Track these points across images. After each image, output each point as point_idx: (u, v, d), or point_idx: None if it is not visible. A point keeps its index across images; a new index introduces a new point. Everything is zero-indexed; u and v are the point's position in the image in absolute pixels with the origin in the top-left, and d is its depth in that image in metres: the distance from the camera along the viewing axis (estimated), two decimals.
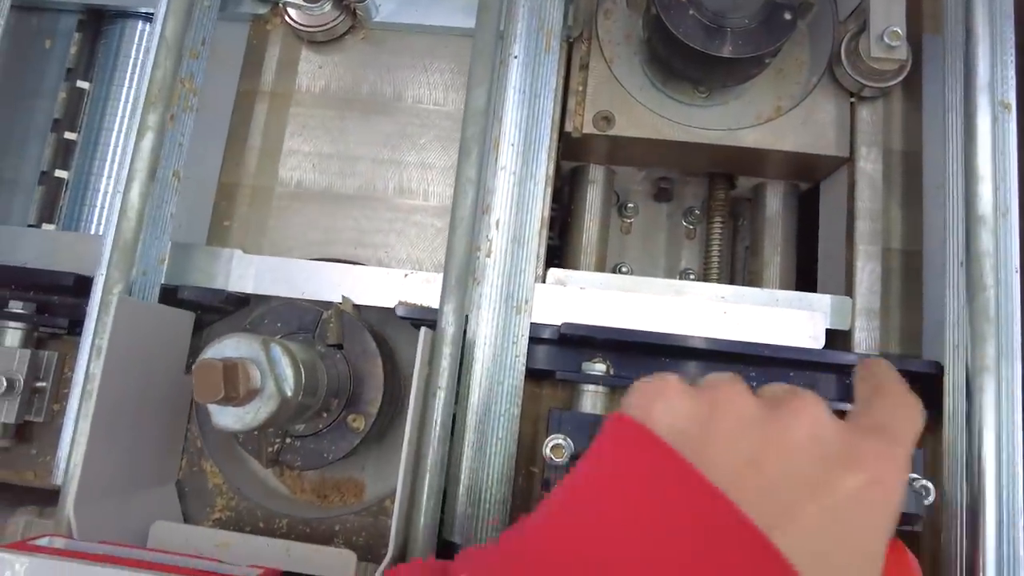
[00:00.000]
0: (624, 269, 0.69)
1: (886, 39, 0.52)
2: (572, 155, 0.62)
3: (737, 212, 0.70)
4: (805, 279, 0.62)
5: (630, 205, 0.70)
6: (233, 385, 0.37)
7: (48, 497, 0.52)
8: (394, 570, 0.28)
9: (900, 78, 0.54)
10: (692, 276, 0.69)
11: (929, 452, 0.49)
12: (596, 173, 0.63)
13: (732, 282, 0.68)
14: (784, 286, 0.60)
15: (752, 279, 0.63)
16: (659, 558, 0.22)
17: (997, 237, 0.44)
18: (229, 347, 0.39)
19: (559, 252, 0.67)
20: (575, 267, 0.62)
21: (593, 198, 0.63)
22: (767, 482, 0.23)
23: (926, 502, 0.45)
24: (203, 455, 0.53)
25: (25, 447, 0.55)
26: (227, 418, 0.39)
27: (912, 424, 0.28)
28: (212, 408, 0.39)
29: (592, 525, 0.23)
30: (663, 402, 0.26)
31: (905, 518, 0.35)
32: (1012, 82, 0.48)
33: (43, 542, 0.38)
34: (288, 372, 0.40)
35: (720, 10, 0.50)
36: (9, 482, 0.54)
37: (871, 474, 0.24)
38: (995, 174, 0.45)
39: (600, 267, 0.63)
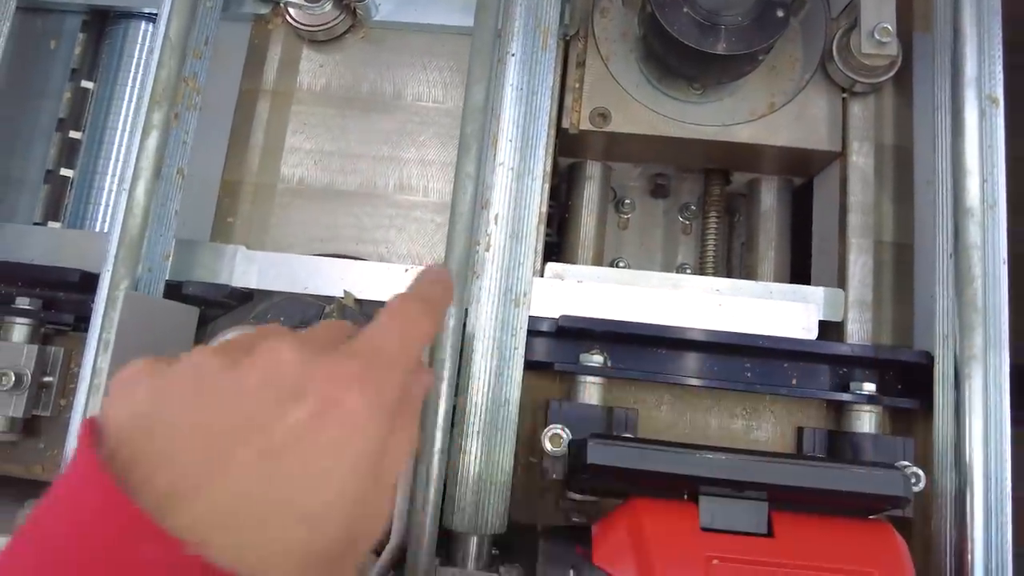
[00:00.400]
0: (621, 264, 0.70)
1: (877, 35, 0.53)
2: (569, 151, 0.63)
3: (733, 207, 0.70)
4: (800, 272, 0.62)
5: (627, 201, 0.71)
6: None
7: None
8: None
9: (891, 74, 0.55)
10: (688, 271, 0.70)
11: (920, 440, 0.50)
12: (593, 169, 0.64)
13: (728, 276, 0.69)
14: (779, 279, 0.61)
15: (747, 273, 0.64)
16: (49, 550, 0.20)
17: (984, 229, 0.45)
18: None
19: (557, 248, 0.68)
20: (573, 262, 0.63)
21: (590, 194, 0.64)
22: (195, 452, 0.21)
23: (916, 488, 0.46)
24: None
25: (33, 441, 0.55)
26: None
27: (401, 333, 0.25)
28: None
29: (28, 538, 0.21)
30: (122, 390, 0.23)
31: (892, 501, 0.36)
32: (1000, 77, 0.49)
33: None
34: None
35: (714, 8, 0.51)
36: (17, 476, 0.55)
37: (318, 399, 0.21)
38: (982, 168, 0.46)
39: (597, 262, 0.64)
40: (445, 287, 0.29)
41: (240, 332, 0.41)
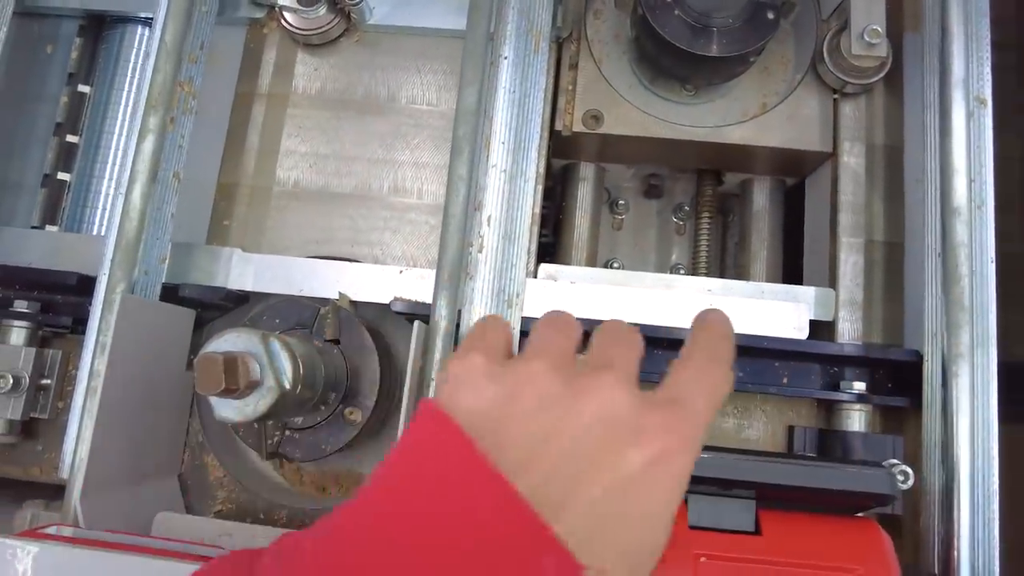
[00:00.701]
0: (616, 265, 0.71)
1: (866, 37, 0.53)
2: (563, 153, 0.63)
3: (727, 208, 0.71)
4: (793, 272, 0.63)
5: (621, 202, 0.71)
6: (233, 378, 0.38)
7: (53, 492, 0.54)
8: (203, 569, 0.27)
9: (881, 75, 0.55)
10: (682, 271, 0.70)
11: (910, 438, 0.51)
12: (587, 171, 0.65)
13: (722, 276, 0.69)
14: (771, 279, 0.62)
15: (740, 273, 0.64)
16: (439, 543, 0.22)
17: (972, 229, 0.46)
18: (229, 341, 0.41)
19: (552, 249, 0.69)
20: (567, 263, 0.63)
21: (584, 195, 0.64)
22: (552, 465, 0.23)
23: (905, 487, 0.47)
24: (205, 449, 0.54)
25: (31, 443, 0.56)
26: (228, 410, 0.40)
27: (709, 392, 0.27)
28: (213, 400, 0.40)
29: (388, 517, 0.23)
30: (468, 384, 0.25)
31: (878, 498, 0.36)
32: (988, 78, 0.49)
33: (51, 531, 0.40)
34: (286, 365, 0.42)
35: (705, 10, 0.52)
36: (15, 478, 0.56)
37: (655, 449, 0.24)
38: (970, 168, 0.46)
39: (591, 263, 0.65)
40: (732, 343, 0.29)
41: (236, 335, 0.41)
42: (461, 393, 0.25)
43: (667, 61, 0.55)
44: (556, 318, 0.29)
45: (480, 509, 0.22)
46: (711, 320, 0.30)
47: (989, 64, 0.49)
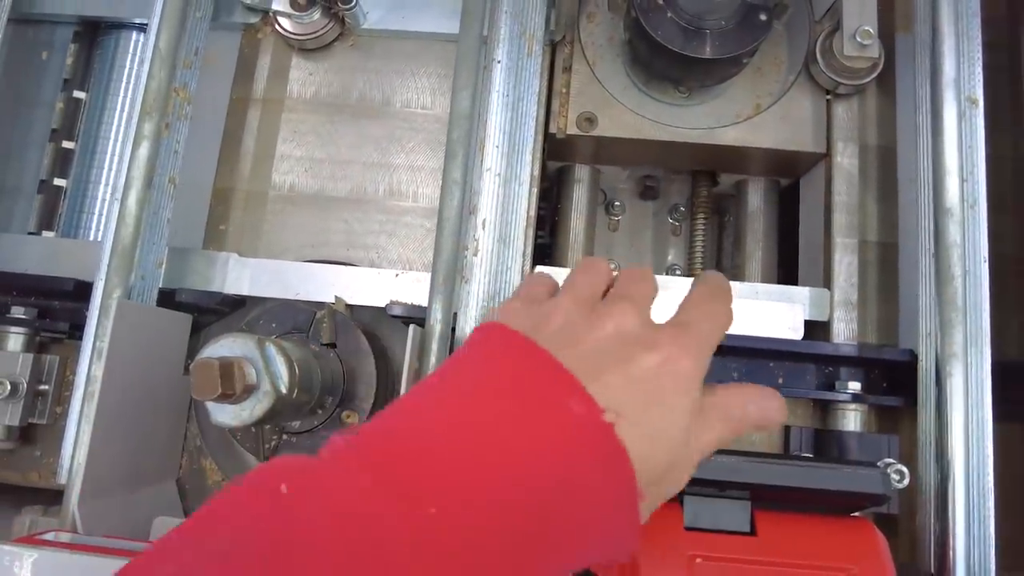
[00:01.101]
0: (612, 265, 0.71)
1: (858, 38, 0.53)
2: (558, 155, 0.63)
3: (723, 208, 0.71)
4: (788, 273, 0.63)
5: (617, 203, 0.72)
6: (230, 382, 0.38)
7: (52, 498, 0.54)
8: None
9: (873, 76, 0.56)
10: (678, 272, 0.70)
11: (906, 437, 0.51)
12: (582, 173, 0.65)
13: None
14: (766, 280, 0.62)
15: (736, 273, 0.65)
16: (486, 388, 0.28)
17: (964, 228, 0.46)
18: (225, 346, 0.41)
19: (549, 251, 0.69)
20: (563, 264, 0.64)
21: (579, 197, 0.65)
22: (580, 354, 0.28)
23: (900, 486, 0.47)
24: (203, 453, 0.55)
25: (29, 449, 0.56)
26: (225, 415, 0.41)
27: (711, 318, 0.32)
28: (210, 405, 0.40)
29: (448, 374, 0.29)
30: (507, 316, 0.31)
31: (872, 498, 0.36)
32: (979, 78, 0.49)
33: (49, 536, 0.40)
34: (282, 370, 0.42)
35: (697, 12, 0.52)
36: (14, 483, 0.56)
37: (664, 353, 0.29)
38: (962, 168, 0.46)
39: None
40: (730, 296, 0.34)
41: (232, 340, 0.41)
42: (503, 319, 0.31)
43: (660, 63, 0.55)
44: (589, 263, 0.34)
45: (515, 363, 0.28)
46: (709, 275, 0.35)
47: (980, 64, 0.49)
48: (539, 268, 0.55)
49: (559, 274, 0.54)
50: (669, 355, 0.29)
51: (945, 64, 0.47)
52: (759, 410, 0.31)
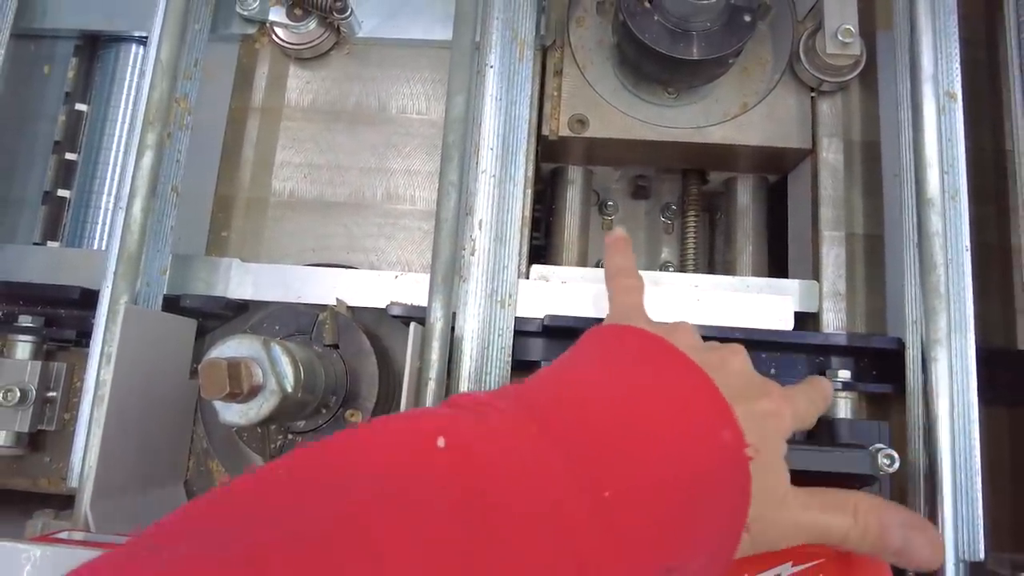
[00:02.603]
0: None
1: (840, 36, 0.55)
2: (550, 157, 0.65)
3: (714, 206, 0.73)
4: (779, 266, 0.65)
5: (610, 203, 0.73)
6: (237, 382, 0.40)
7: (62, 503, 0.55)
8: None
9: (856, 73, 0.57)
10: (671, 268, 0.72)
11: (896, 423, 0.52)
12: (574, 173, 0.66)
13: (711, 272, 0.71)
14: (757, 274, 0.63)
15: (727, 268, 0.66)
16: (647, 408, 0.30)
17: (946, 219, 0.47)
18: (232, 347, 0.42)
19: (545, 250, 0.70)
20: (558, 263, 0.65)
21: (572, 197, 0.66)
22: (723, 380, 0.31)
23: (891, 470, 0.48)
24: (209, 455, 0.56)
25: (38, 455, 0.57)
26: (232, 414, 0.42)
27: (810, 400, 0.37)
28: (218, 405, 0.41)
29: (613, 363, 0.32)
30: (681, 335, 0.35)
31: (860, 479, 0.38)
32: (957, 73, 0.51)
33: (62, 535, 0.41)
34: (288, 370, 0.43)
35: (683, 15, 0.53)
36: (24, 489, 0.57)
37: (775, 404, 0.33)
38: (942, 160, 0.48)
39: (582, 263, 0.66)
40: (827, 405, 0.40)
41: (238, 341, 0.42)
42: (672, 337, 0.34)
43: (648, 65, 0.56)
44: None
45: (679, 378, 0.31)
46: (816, 382, 0.40)
47: (958, 59, 0.51)
48: (535, 267, 0.56)
49: (555, 273, 0.56)
50: (779, 406, 0.33)
51: (923, 60, 0.48)
52: (901, 536, 0.33)
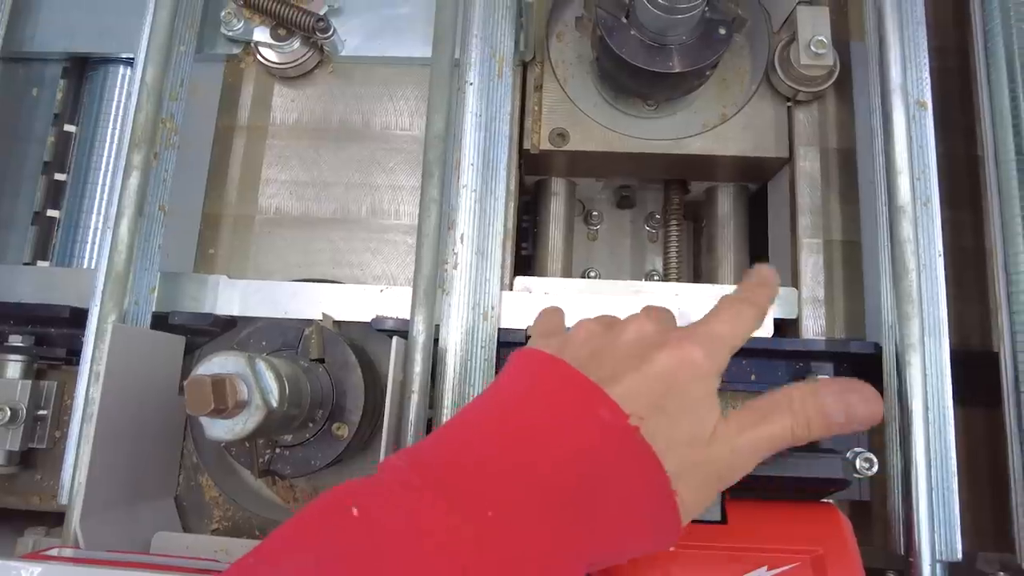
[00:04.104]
0: (593, 274, 0.73)
1: (813, 48, 0.56)
2: (533, 170, 0.66)
3: (699, 214, 0.74)
4: None
5: (595, 213, 0.74)
6: (222, 398, 0.40)
7: (53, 520, 0.56)
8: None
9: (830, 83, 0.58)
10: (657, 277, 0.73)
11: (876, 427, 0.53)
12: (558, 186, 0.67)
13: (696, 280, 0.72)
14: (739, 281, 0.64)
15: (710, 277, 0.67)
16: (525, 407, 0.32)
17: (918, 225, 0.48)
18: (217, 364, 0.43)
19: (531, 261, 0.71)
20: (543, 274, 0.66)
21: (556, 209, 0.67)
22: (602, 363, 0.32)
23: (870, 473, 0.49)
24: (199, 470, 0.56)
25: (29, 473, 0.58)
26: (219, 429, 0.42)
27: (730, 321, 0.35)
28: (204, 420, 0.42)
29: (492, 394, 0.34)
30: (539, 340, 0.37)
31: (834, 483, 0.38)
32: (927, 82, 0.52)
33: (52, 552, 0.41)
34: (272, 385, 0.43)
35: (660, 29, 0.54)
36: (15, 508, 0.57)
37: (676, 348, 0.32)
38: (912, 167, 0.49)
39: (567, 273, 0.67)
40: (769, 290, 0.38)
41: (223, 357, 0.43)
42: (534, 343, 0.36)
43: (627, 79, 0.57)
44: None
45: (548, 380, 0.32)
46: (754, 272, 0.39)
47: (928, 69, 0.52)
48: (519, 279, 0.57)
49: (538, 284, 0.57)
50: (680, 350, 0.32)
51: (892, 71, 0.49)
52: (839, 405, 0.33)
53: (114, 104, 0.65)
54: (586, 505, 0.29)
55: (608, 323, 0.36)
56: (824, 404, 0.33)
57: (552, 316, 0.44)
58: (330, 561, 0.27)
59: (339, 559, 0.27)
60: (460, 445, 0.31)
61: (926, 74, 0.52)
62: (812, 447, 0.52)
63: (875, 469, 0.49)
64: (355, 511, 0.28)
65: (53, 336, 0.56)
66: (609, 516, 0.29)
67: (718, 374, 0.33)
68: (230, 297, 0.56)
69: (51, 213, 0.64)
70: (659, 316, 0.36)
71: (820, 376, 0.54)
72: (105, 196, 0.62)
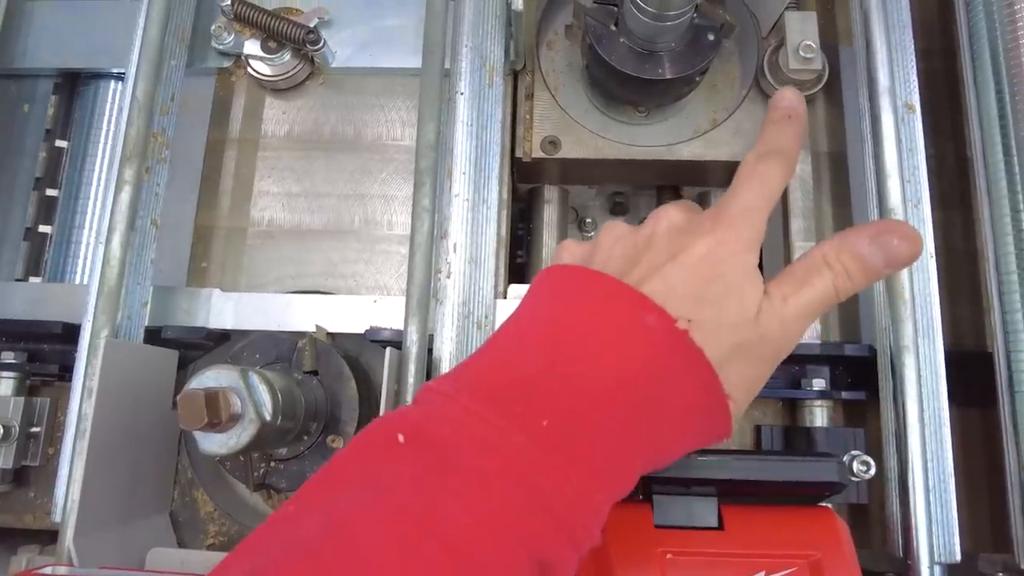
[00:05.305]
0: None
1: (801, 52, 0.56)
2: (526, 178, 0.66)
3: None
4: None
5: (588, 220, 0.74)
6: (215, 411, 0.40)
7: (47, 539, 0.55)
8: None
9: (819, 87, 0.59)
10: None
11: (872, 429, 0.53)
12: (551, 193, 0.67)
13: None
14: None
15: None
16: (573, 318, 0.31)
17: None
18: (210, 378, 0.42)
19: (526, 269, 0.71)
20: None
21: (549, 216, 0.67)
22: (637, 263, 0.32)
23: (867, 476, 0.48)
24: (194, 485, 0.56)
25: (23, 491, 0.57)
26: (212, 443, 0.42)
27: (757, 185, 0.33)
28: (197, 434, 0.42)
29: (530, 307, 0.33)
30: (564, 253, 0.36)
31: (829, 487, 0.38)
32: (915, 85, 0.52)
33: (46, 571, 0.41)
34: (266, 398, 0.43)
35: (648, 36, 0.54)
36: (9, 526, 0.57)
37: (713, 238, 0.31)
38: (902, 169, 0.49)
39: None
40: (796, 126, 0.36)
41: (216, 371, 0.43)
42: (561, 257, 0.36)
43: (617, 86, 0.58)
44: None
45: (585, 294, 0.31)
46: (776, 103, 0.37)
47: (915, 71, 0.52)
48: (513, 286, 0.57)
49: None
50: (714, 234, 0.31)
51: (879, 75, 0.49)
52: (877, 247, 0.31)
53: (105, 119, 0.65)
54: (640, 413, 0.29)
55: (631, 227, 0.35)
56: (861, 255, 0.31)
57: (571, 244, 0.42)
58: (386, 493, 0.26)
59: (393, 490, 0.26)
60: (504, 362, 0.30)
61: (913, 77, 0.52)
62: (808, 451, 0.52)
63: (872, 472, 0.49)
64: (401, 438, 0.28)
65: (45, 352, 0.56)
66: (662, 421, 0.29)
67: (757, 247, 0.32)
68: (223, 310, 0.56)
69: (43, 229, 0.64)
70: (686, 206, 0.34)
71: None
72: (97, 211, 0.62)
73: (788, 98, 0.36)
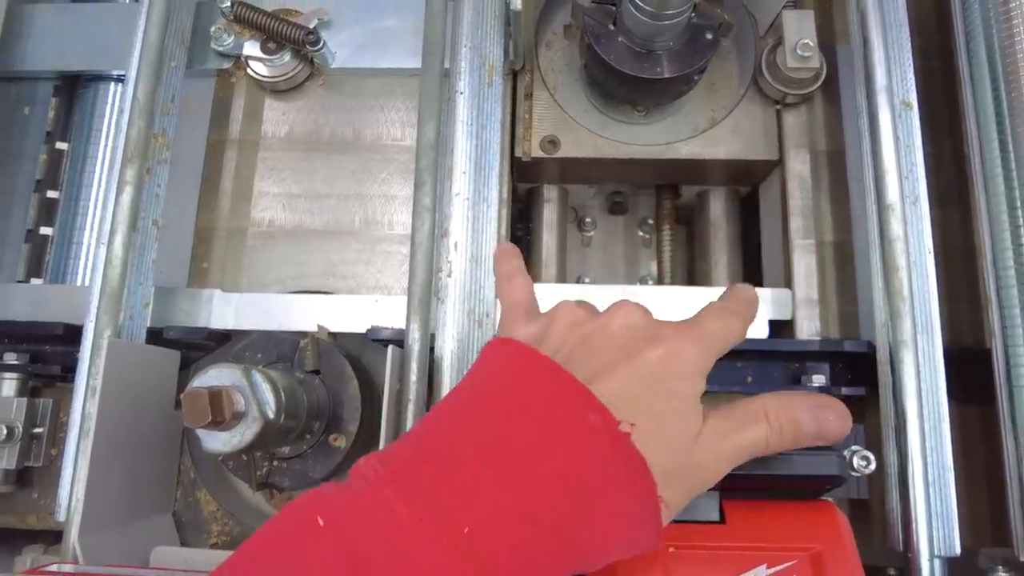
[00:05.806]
0: (587, 280, 0.74)
1: (799, 51, 0.56)
2: (525, 178, 0.66)
3: (689, 219, 0.74)
4: (754, 276, 0.66)
5: (587, 220, 0.74)
6: (219, 410, 0.40)
7: (51, 539, 0.55)
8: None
9: (817, 85, 0.59)
10: (651, 282, 0.73)
11: (872, 425, 0.53)
12: (550, 192, 0.68)
13: (691, 284, 0.72)
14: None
15: (704, 280, 0.67)
16: (509, 407, 0.30)
17: (906, 223, 0.49)
18: (213, 376, 0.43)
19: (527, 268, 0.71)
20: (538, 281, 0.66)
21: (549, 215, 0.67)
22: (588, 355, 0.31)
23: (867, 471, 0.49)
24: (197, 485, 0.56)
25: (26, 492, 0.57)
26: (216, 442, 0.42)
27: (721, 321, 0.34)
28: (201, 433, 0.42)
29: (468, 396, 0.32)
30: (515, 321, 0.36)
31: (830, 480, 0.39)
32: (912, 83, 0.52)
33: (52, 568, 0.41)
34: (269, 396, 0.43)
35: (647, 35, 0.55)
36: (12, 527, 0.57)
37: (669, 347, 0.31)
38: (900, 167, 0.49)
39: (561, 279, 0.67)
40: (752, 306, 0.37)
41: (219, 370, 0.43)
42: (513, 332, 0.34)
43: (616, 86, 0.58)
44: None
45: (531, 380, 0.30)
46: (738, 288, 0.38)
47: (912, 70, 0.53)
48: None
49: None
50: (673, 346, 0.31)
51: (877, 73, 0.50)
52: (812, 420, 0.33)
53: (105, 121, 0.65)
54: (569, 516, 0.28)
55: (591, 309, 0.34)
56: (798, 420, 0.33)
57: (515, 276, 0.41)
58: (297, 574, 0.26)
59: (306, 573, 0.26)
60: (434, 453, 0.29)
61: (911, 74, 0.52)
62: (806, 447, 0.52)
63: (872, 467, 0.49)
64: (321, 522, 0.27)
65: (48, 353, 0.56)
66: (592, 525, 0.28)
67: (705, 374, 0.32)
68: (224, 311, 0.56)
69: (44, 231, 0.64)
70: (644, 308, 0.34)
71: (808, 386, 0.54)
72: (98, 212, 0.62)
73: (745, 290, 0.38)
